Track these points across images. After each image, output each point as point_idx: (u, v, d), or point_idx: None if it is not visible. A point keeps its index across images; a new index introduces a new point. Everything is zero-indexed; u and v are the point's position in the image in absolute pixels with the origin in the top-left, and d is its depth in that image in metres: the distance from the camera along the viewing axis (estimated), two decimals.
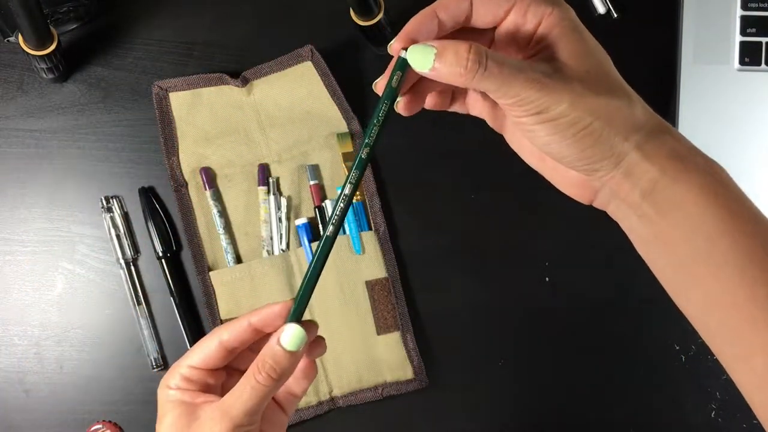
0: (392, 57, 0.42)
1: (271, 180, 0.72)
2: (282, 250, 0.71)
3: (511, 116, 0.41)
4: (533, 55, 0.42)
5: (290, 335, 0.45)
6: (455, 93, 0.46)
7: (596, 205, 0.45)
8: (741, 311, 0.39)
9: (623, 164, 0.41)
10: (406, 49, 0.41)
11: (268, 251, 0.71)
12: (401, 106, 0.44)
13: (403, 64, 0.41)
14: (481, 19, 0.42)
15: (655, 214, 0.41)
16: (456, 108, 0.47)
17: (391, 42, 0.41)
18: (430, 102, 0.45)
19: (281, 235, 0.71)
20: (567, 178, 0.44)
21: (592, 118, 0.39)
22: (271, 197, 0.71)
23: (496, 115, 0.46)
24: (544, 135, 0.40)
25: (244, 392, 0.44)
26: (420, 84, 0.44)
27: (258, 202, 0.71)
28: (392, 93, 0.42)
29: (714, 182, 0.41)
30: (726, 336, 0.41)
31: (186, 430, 0.45)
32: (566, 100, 0.39)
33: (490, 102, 0.45)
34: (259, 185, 0.71)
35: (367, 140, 0.43)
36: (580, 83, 0.39)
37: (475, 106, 0.46)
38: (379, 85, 0.42)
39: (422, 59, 0.40)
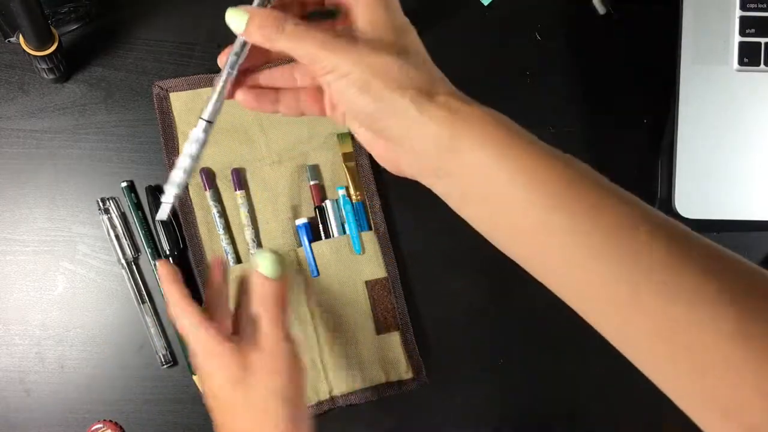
0: None
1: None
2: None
3: (316, 76, 0.46)
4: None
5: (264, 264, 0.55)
6: (280, 93, 0.50)
7: (407, 175, 0.47)
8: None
9: (405, 121, 0.44)
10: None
11: (252, 254, 0.71)
12: (240, 97, 0.50)
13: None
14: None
15: (449, 166, 0.44)
16: (284, 107, 0.51)
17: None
18: (251, 98, 0.50)
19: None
20: (380, 148, 0.47)
21: (370, 75, 0.44)
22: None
23: (327, 108, 0.50)
24: (339, 92, 0.45)
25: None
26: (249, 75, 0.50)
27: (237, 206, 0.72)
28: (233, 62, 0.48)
29: (494, 126, 0.43)
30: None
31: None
32: (350, 59, 0.44)
33: (317, 96, 0.50)
34: (235, 190, 0.71)
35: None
36: (366, 45, 0.44)
37: (306, 105, 0.50)
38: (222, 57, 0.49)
39: (238, 20, 0.46)
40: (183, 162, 0.49)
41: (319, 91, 0.50)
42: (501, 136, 0.43)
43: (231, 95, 0.49)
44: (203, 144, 0.49)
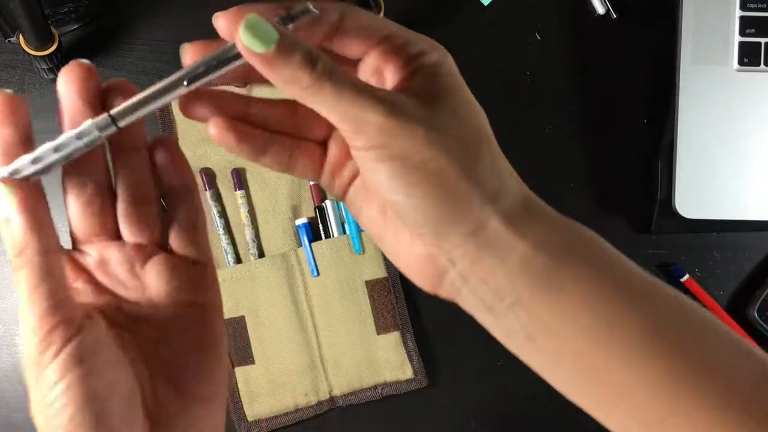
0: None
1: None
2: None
3: (352, 147, 0.33)
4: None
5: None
6: (270, 139, 0.36)
7: (444, 293, 0.36)
8: (664, 397, 0.33)
9: (482, 235, 0.33)
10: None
11: (252, 254, 0.71)
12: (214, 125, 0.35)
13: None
14: (350, 38, 0.34)
15: (533, 302, 0.33)
16: (271, 159, 0.36)
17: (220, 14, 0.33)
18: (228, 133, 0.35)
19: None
20: (410, 254, 0.35)
21: (449, 163, 0.32)
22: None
23: (326, 173, 0.37)
24: (386, 177, 0.32)
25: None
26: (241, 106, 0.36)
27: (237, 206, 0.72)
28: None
29: (596, 255, 0.34)
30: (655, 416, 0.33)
31: None
32: (420, 134, 0.31)
33: (317, 154, 0.37)
34: (235, 190, 0.71)
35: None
36: (442, 119, 0.32)
37: (298, 163, 0.36)
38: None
39: (263, 36, 0.31)
40: (41, 150, 0.34)
41: (319, 148, 0.37)
42: (610, 278, 0.33)
43: (196, 115, 0.35)
44: (89, 144, 0.34)
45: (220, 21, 0.33)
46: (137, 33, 0.73)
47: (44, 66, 0.68)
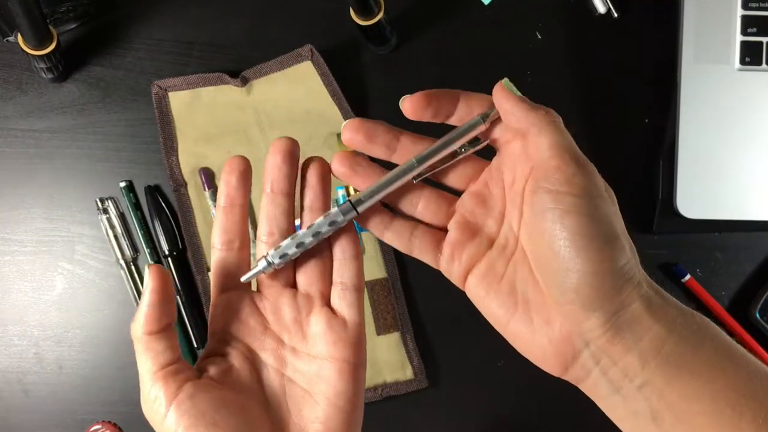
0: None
1: None
2: None
3: (543, 188, 0.36)
4: None
5: None
6: (395, 219, 0.42)
7: (570, 376, 0.38)
8: None
9: (624, 315, 0.35)
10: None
11: (252, 254, 0.71)
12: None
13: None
14: None
15: (663, 383, 0.35)
16: (393, 236, 0.42)
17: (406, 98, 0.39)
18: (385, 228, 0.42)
19: None
20: (544, 335, 0.37)
21: (620, 238, 0.35)
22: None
23: (444, 256, 0.42)
24: (568, 233, 0.35)
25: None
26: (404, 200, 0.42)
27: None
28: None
29: (719, 341, 0.36)
30: None
31: None
32: (604, 199, 0.36)
33: (436, 239, 0.42)
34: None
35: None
36: (609, 198, 0.37)
37: (418, 243, 0.42)
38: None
39: (515, 89, 0.38)
40: (301, 235, 0.41)
41: (438, 234, 0.41)
42: (737, 363, 0.35)
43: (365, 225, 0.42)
44: (336, 228, 0.41)
45: (407, 102, 0.39)
46: (136, 32, 0.73)
47: (42, 65, 0.68)
